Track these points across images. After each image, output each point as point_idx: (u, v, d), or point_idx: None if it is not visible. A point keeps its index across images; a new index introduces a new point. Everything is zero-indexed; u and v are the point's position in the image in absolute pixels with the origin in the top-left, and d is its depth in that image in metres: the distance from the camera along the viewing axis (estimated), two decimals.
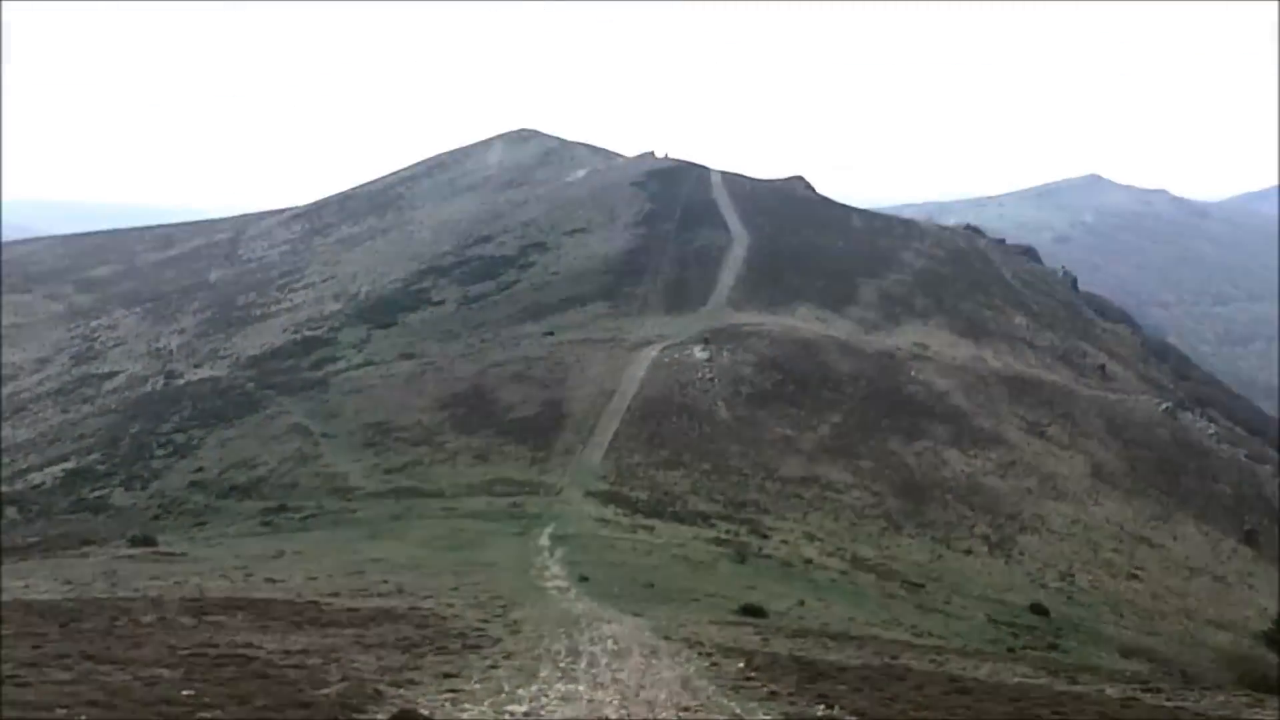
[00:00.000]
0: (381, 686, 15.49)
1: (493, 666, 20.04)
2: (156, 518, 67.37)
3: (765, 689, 19.81)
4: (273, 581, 39.84)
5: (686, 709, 17.01)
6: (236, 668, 15.93)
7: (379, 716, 12.60)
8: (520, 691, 17.11)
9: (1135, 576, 68.38)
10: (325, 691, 13.85)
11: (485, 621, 28.78)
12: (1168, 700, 21.13)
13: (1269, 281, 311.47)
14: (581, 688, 18.46)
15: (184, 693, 12.53)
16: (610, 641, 26.12)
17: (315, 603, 32.09)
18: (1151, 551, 73.57)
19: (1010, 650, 43.03)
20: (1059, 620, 56.39)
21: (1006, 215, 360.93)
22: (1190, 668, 49.84)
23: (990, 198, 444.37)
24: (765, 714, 17.01)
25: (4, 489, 76.61)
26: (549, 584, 41.47)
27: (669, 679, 20.42)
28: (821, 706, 17.85)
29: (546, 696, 16.96)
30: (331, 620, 26.81)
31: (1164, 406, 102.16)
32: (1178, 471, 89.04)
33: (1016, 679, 24.49)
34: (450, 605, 33.02)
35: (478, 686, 17.25)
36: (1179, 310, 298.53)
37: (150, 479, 76.43)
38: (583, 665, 21.43)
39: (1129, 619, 60.48)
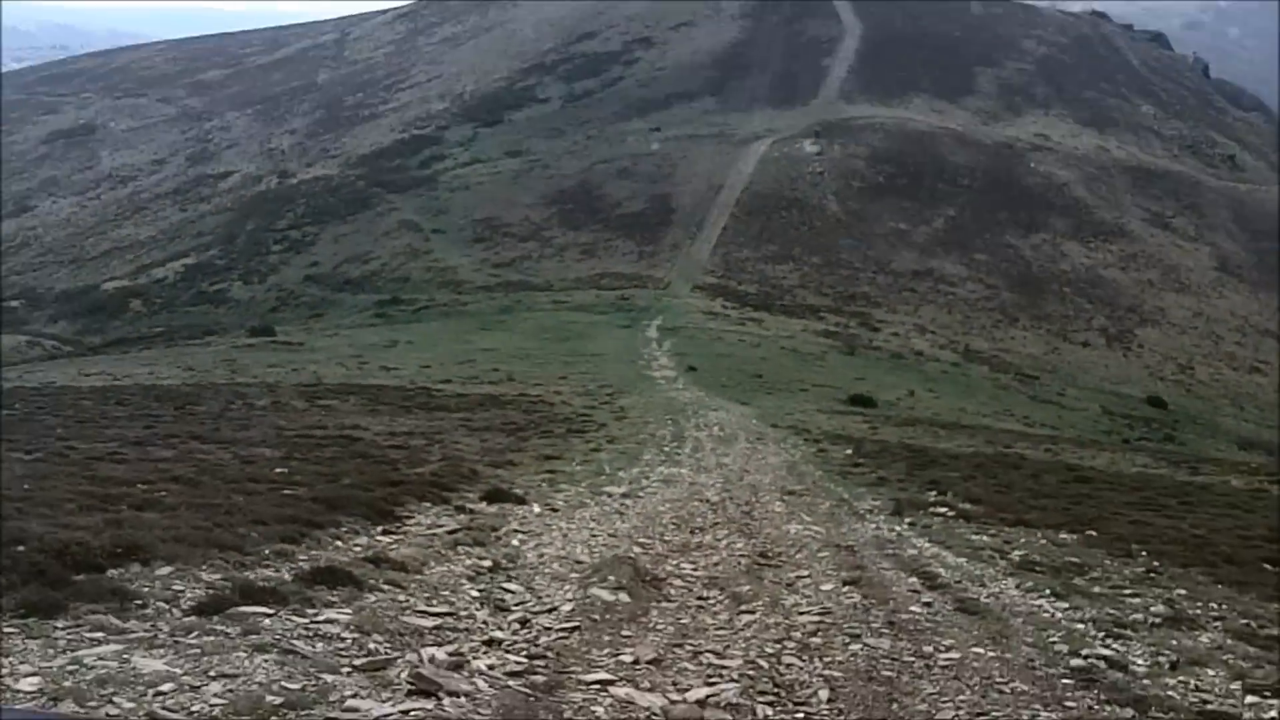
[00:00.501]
0: (479, 467, 15.15)
1: (595, 449, 19.70)
2: (274, 310, 69.13)
3: (873, 474, 19.26)
4: (386, 369, 40.78)
5: (791, 492, 16.20)
6: (339, 448, 15.87)
7: (469, 492, 12.26)
8: (621, 474, 16.56)
9: (1258, 369, 66.54)
10: (420, 470, 13.69)
11: (592, 408, 28.85)
12: None
13: None
14: (684, 470, 17.83)
15: (276, 470, 12.46)
16: (717, 428, 25.93)
17: (426, 389, 32.57)
18: (1277, 345, 71.27)
19: (1125, 441, 42.40)
20: (1176, 412, 55.41)
21: (1131, 5, 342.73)
22: None
23: None
24: (874, 499, 16.22)
25: (129, 284, 78.62)
26: (657, 374, 41.61)
27: (774, 464, 19.91)
28: (934, 493, 17.02)
29: (648, 479, 16.36)
30: (440, 405, 27.06)
31: None
32: None
33: (1135, 468, 23.81)
34: (558, 392, 33.23)
35: (579, 468, 16.74)
36: None
37: (267, 273, 77.81)
38: (687, 450, 20.97)
39: (1249, 411, 59.14)
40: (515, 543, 9.90)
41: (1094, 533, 13.04)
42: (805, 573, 9.54)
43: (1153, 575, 10.54)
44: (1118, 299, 72.51)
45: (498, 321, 57.09)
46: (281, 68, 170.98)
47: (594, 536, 10.59)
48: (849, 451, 22.77)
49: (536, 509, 11.95)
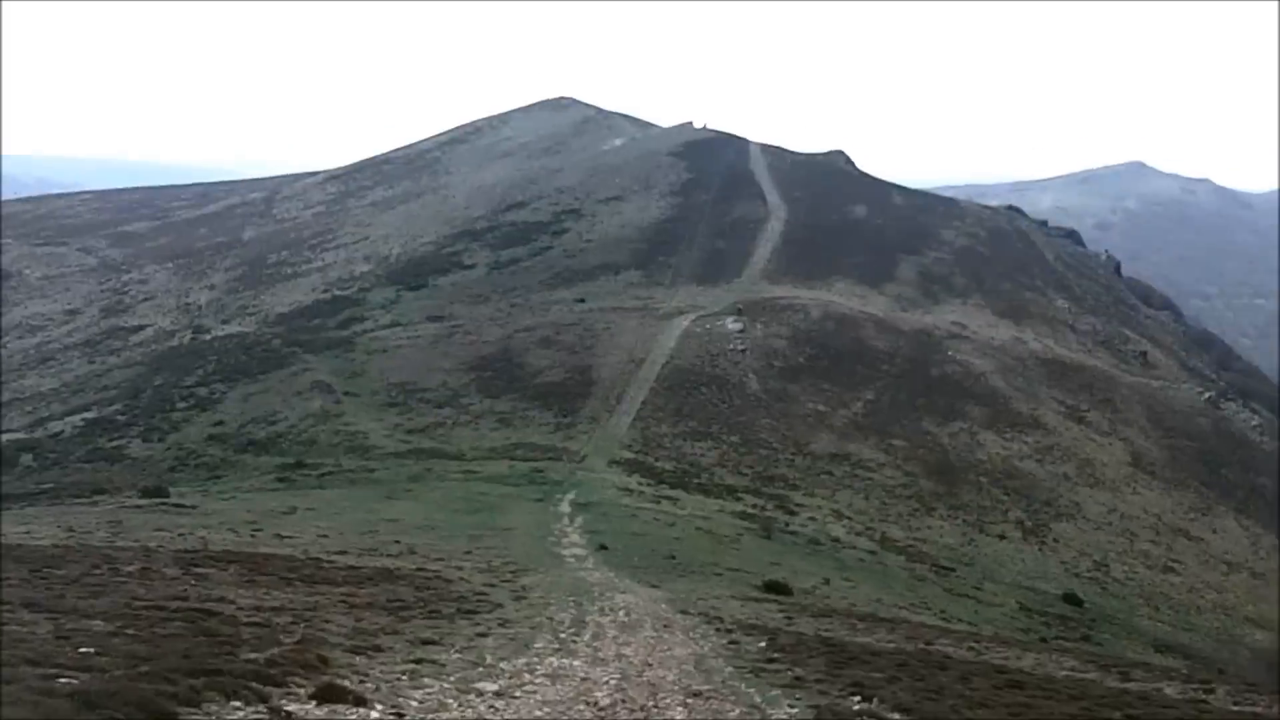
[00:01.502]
0: (335, 653, 13.40)
1: (483, 634, 18.18)
2: (172, 469, 66.34)
3: (789, 673, 17.68)
4: (280, 537, 38.71)
5: (696, 694, 14.67)
6: (185, 623, 14.20)
7: (301, 687, 10.66)
8: (503, 665, 15.18)
9: (1172, 569, 66.26)
10: (258, 655, 11.97)
11: (491, 586, 27.32)
12: (1235, 704, 19.21)
13: None
14: (578, 663, 16.46)
15: (80, 649, 10.90)
16: (622, 613, 24.44)
17: (318, 560, 30.74)
18: (1189, 544, 71.32)
19: (1043, 640, 41.50)
20: (1092, 610, 54.66)
21: (1048, 200, 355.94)
22: (1227, 666, 48.05)
23: (1032, 181, 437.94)
24: (790, 705, 14.61)
25: (24, 436, 75.76)
26: (566, 551, 40.17)
27: (681, 656, 18.46)
28: (857, 698, 15.57)
29: (533, 672, 14.95)
30: (327, 578, 25.36)
31: (1206, 396, 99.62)
32: (1219, 463, 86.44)
33: (1064, 671, 22.69)
34: (459, 569, 31.67)
35: (456, 656, 15.30)
36: (1219, 302, 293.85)
37: (169, 431, 75.00)
38: (586, 638, 19.59)
39: (1164, 612, 58.56)
40: None
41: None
42: None
43: None
44: (1034, 491, 72.50)
45: (406, 490, 55.39)
46: (208, 223, 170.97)
47: None
48: (763, 644, 21.19)
49: (374, 714, 10.24)
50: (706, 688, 15.26)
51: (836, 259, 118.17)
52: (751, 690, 15.60)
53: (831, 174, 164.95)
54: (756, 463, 68.93)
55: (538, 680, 14.19)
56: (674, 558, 41.77)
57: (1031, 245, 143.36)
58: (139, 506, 48.38)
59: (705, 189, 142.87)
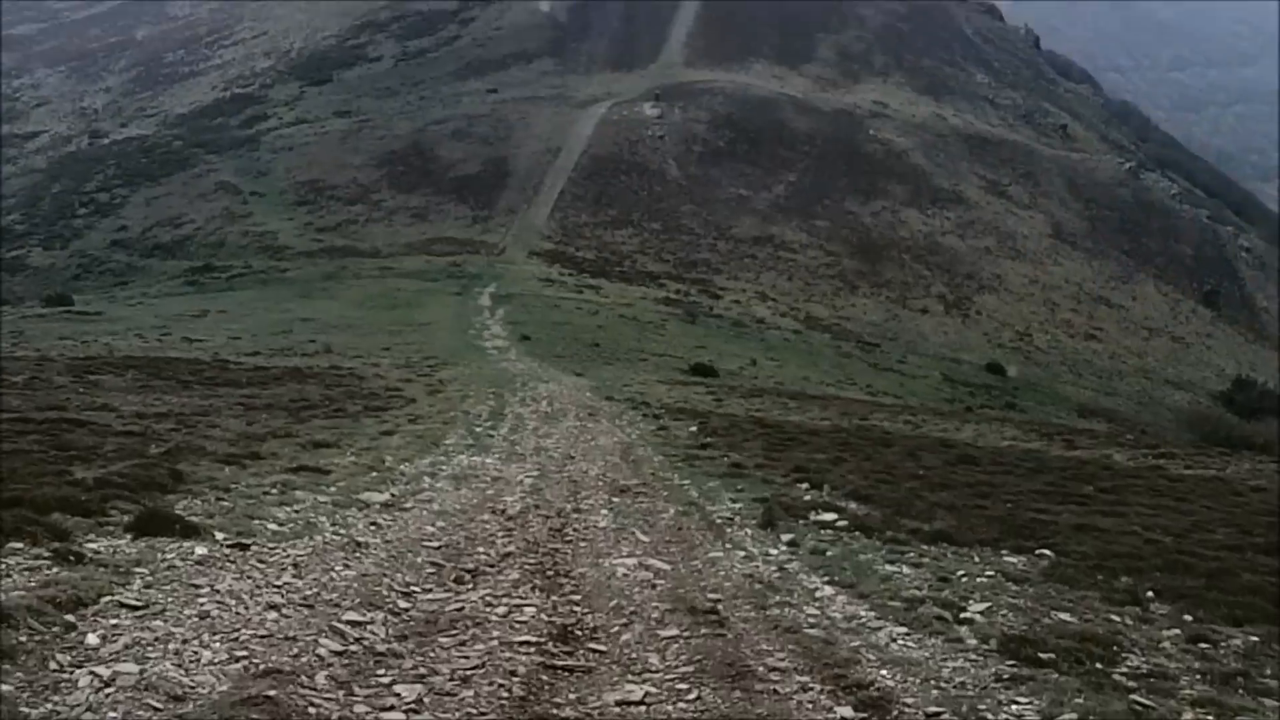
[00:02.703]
0: (197, 465, 11.26)
1: (387, 433, 16.34)
2: (76, 277, 64.48)
3: (725, 458, 16.03)
4: (190, 341, 37.36)
5: (623, 490, 12.78)
6: (43, 436, 12.49)
7: (124, 515, 8.27)
8: (404, 467, 13.20)
9: (1094, 336, 67.13)
10: (84, 476, 9.99)
11: (407, 381, 26.15)
12: (1187, 468, 18.72)
13: (1226, 46, 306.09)
14: (491, 460, 14.69)
15: None
16: (545, 403, 23.44)
17: (225, 362, 29.47)
18: (1110, 311, 72.23)
19: (969, 409, 41.60)
20: (1015, 379, 55.11)
21: None
22: (1149, 427, 48.79)
23: None
24: (731, 498, 12.62)
25: None
26: (488, 344, 39.26)
27: (606, 446, 17.00)
28: (805, 485, 13.59)
29: (437, 475, 12.95)
30: (231, 380, 24.01)
31: (1127, 166, 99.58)
32: (1139, 232, 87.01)
33: (1007, 441, 22.07)
34: (375, 365, 30.59)
35: (349, 461, 13.14)
36: (1135, 75, 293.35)
37: (71, 238, 72.78)
38: (503, 430, 18.11)
39: (1087, 379, 59.36)
40: (63, 659, 5.33)
41: (1046, 551, 9.79)
42: (638, 684, 5.84)
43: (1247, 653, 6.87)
44: (956, 265, 72.57)
45: (320, 289, 53.91)
46: (99, 23, 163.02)
47: (267, 613, 6.41)
48: (694, 429, 20.06)
49: (202, 548, 7.65)
50: (634, 481, 13.61)
51: (753, 40, 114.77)
52: (686, 482, 13.89)
53: None
54: (679, 248, 68.04)
55: (440, 485, 12.36)
56: (598, 345, 41.15)
57: (951, 20, 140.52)
58: (41, 316, 46.59)
59: None
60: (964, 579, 8.75)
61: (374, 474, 12.41)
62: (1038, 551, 9.89)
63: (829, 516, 11.29)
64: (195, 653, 5.62)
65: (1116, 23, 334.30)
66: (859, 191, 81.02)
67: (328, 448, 14.09)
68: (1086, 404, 52.03)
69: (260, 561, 7.68)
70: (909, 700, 5.71)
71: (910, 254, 72.98)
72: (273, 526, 8.86)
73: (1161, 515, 12.40)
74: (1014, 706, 5.70)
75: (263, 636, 6.01)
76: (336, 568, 7.81)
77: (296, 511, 9.63)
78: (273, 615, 6.43)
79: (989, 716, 5.57)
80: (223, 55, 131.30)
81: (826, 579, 8.57)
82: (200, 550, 7.61)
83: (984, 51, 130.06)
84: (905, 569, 9.04)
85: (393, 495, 11.18)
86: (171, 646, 5.66)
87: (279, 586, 7.12)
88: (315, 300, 50.13)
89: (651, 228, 70.42)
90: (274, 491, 10.43)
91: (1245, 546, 10.48)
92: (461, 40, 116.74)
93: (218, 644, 5.79)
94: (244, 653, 5.70)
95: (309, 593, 7.03)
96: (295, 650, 5.85)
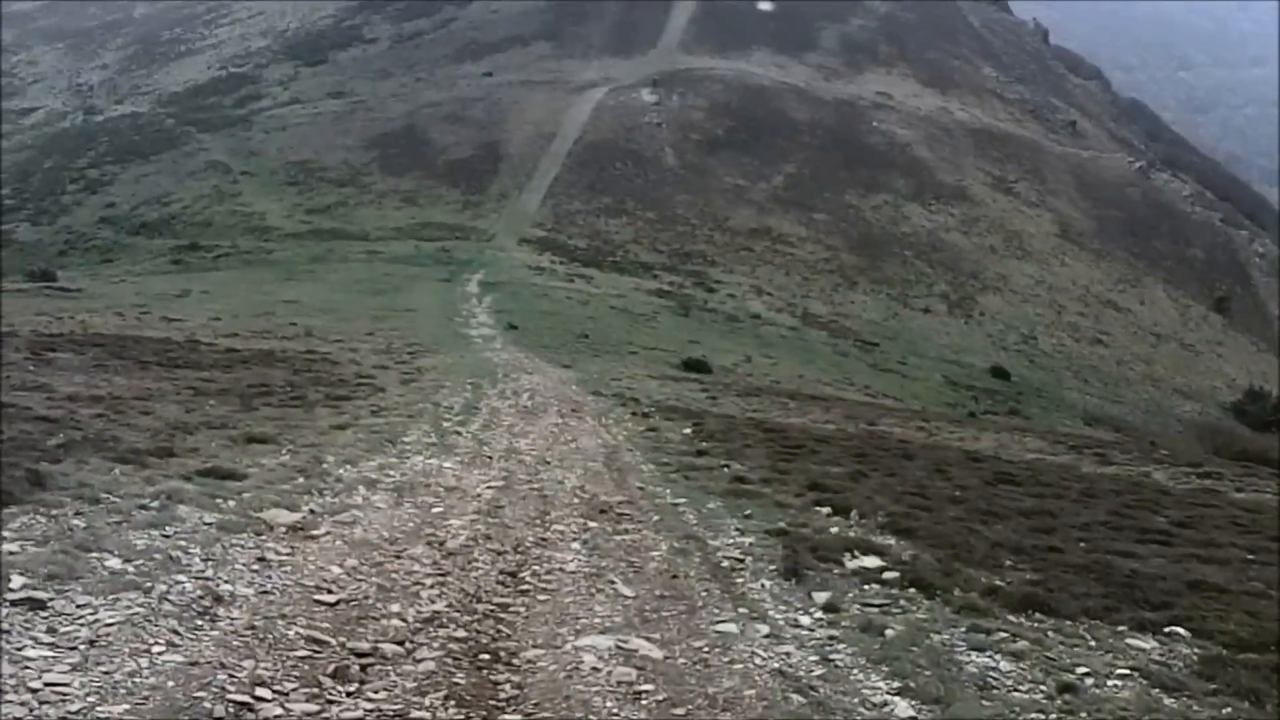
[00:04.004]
0: (84, 464, 9.25)
1: (340, 427, 14.27)
2: (62, 253, 63.21)
3: (725, 468, 13.96)
4: (169, 320, 35.74)
5: (604, 511, 10.57)
6: None
7: None
8: (342, 472, 11.04)
9: (1100, 341, 65.30)
10: None
11: (383, 369, 24.36)
12: (1238, 490, 16.61)
13: (1235, 47, 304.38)
14: (450, 464, 12.61)
15: None
16: (526, 396, 21.64)
17: (196, 342, 27.74)
18: (1118, 315, 70.37)
19: (971, 414, 39.94)
20: (1020, 384, 53.31)
21: None
22: (1158, 438, 46.92)
23: None
24: (738, 527, 10.37)
25: None
26: (474, 332, 37.58)
27: (589, 450, 14.96)
28: (827, 509, 11.33)
29: (374, 485, 10.70)
30: (193, 362, 22.25)
31: (1137, 165, 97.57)
32: (1149, 234, 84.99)
33: (1032, 454, 19.98)
34: (353, 351, 28.80)
35: (278, 462, 11.01)
36: (1142, 74, 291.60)
37: (59, 214, 71.91)
38: (474, 427, 16.17)
39: (1093, 385, 57.59)
40: None
41: (1181, 630, 7.50)
42: None
43: None
44: (959, 264, 70.79)
45: (306, 272, 52.81)
46: (97, 1, 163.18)
47: None
48: (688, 431, 18.07)
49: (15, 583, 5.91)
50: (618, 498, 11.39)
51: (755, 28, 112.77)
52: (680, 501, 11.62)
53: None
54: (673, 239, 66.36)
55: (376, 499, 10.10)
56: (587, 337, 39.62)
57: (958, 11, 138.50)
58: (22, 290, 45.06)
59: None
60: (1091, 682, 6.45)
61: (300, 480, 10.29)
62: (1168, 630, 7.54)
63: (870, 562, 8.89)
64: None
65: (1122, 20, 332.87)
66: (860, 184, 79.24)
67: (262, 444, 12.07)
68: (1093, 411, 50.31)
69: (49, 632, 5.45)
70: None
71: (913, 250, 71.25)
72: (110, 565, 6.55)
73: (1275, 563, 10.19)
74: None
75: None
76: (155, 647, 5.51)
77: (162, 539, 7.38)
78: None
79: None
80: (219, 34, 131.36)
81: (895, 683, 6.16)
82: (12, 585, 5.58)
83: (991, 44, 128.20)
84: (1002, 663, 6.69)
85: (308, 514, 8.96)
86: None
87: (33, 690, 4.85)
88: (300, 282, 48.80)
89: (646, 217, 68.66)
90: (151, 506, 8.18)
91: None
92: (458, 23, 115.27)
93: None
94: None
95: (77, 706, 4.80)
96: None
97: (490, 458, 13.55)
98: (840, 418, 23.93)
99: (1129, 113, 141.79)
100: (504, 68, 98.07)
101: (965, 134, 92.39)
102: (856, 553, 9.16)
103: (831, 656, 6.65)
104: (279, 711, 5.17)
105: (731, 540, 9.75)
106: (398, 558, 8.10)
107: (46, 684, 4.96)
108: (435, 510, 9.99)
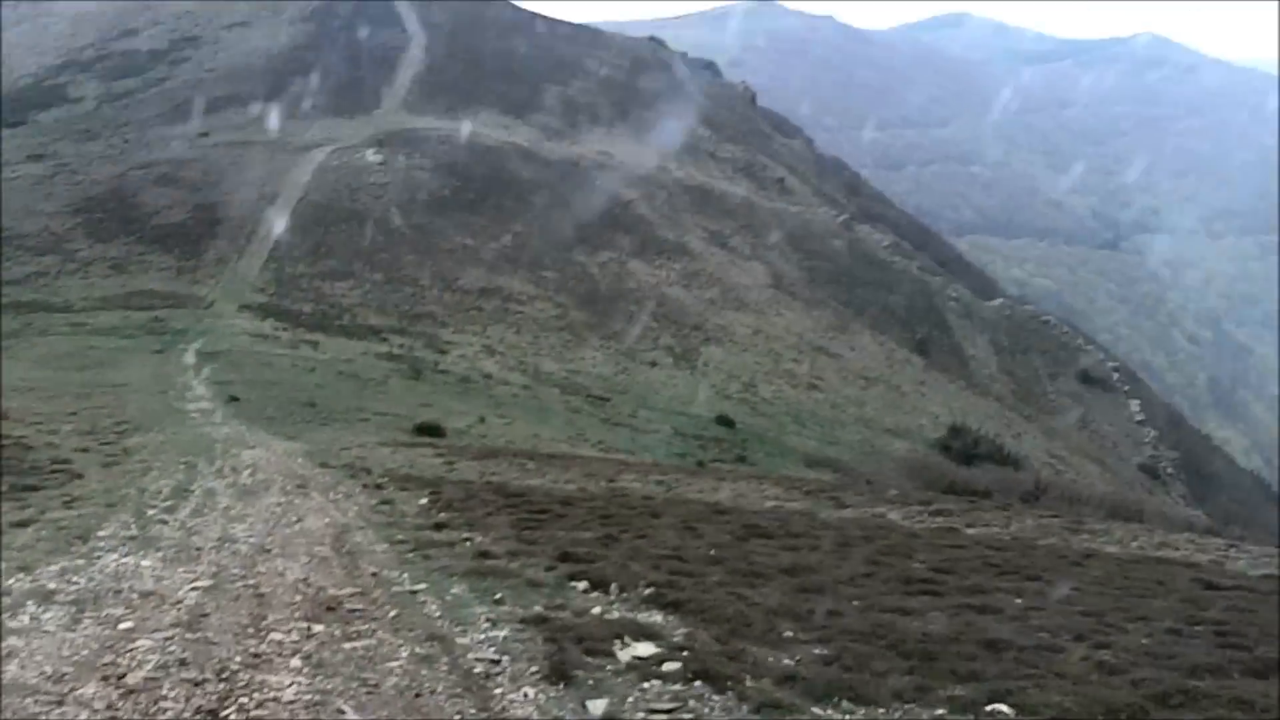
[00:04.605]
0: None
1: (22, 524, 12.97)
2: None
3: (468, 543, 13.11)
4: None
5: (331, 609, 9.38)
6: None
7: None
8: (14, 581, 9.74)
9: (815, 386, 68.33)
10: None
11: (83, 451, 22.99)
12: (969, 525, 17.83)
13: (922, 108, 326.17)
14: (149, 562, 11.27)
15: None
16: (246, 473, 20.69)
17: None
18: (830, 360, 73.89)
19: (700, 463, 41.11)
20: (744, 431, 55.20)
21: (682, 38, 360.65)
22: (874, 476, 49.59)
23: (669, 19, 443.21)
24: (489, 618, 9.32)
25: None
26: (191, 406, 35.66)
27: (315, 532, 13.98)
28: (583, 583, 10.69)
29: (55, 594, 9.42)
30: None
31: (841, 219, 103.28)
32: (854, 283, 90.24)
33: (772, 502, 20.92)
34: (52, 432, 27.09)
35: None
36: (840, 134, 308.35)
37: None
38: (184, 514, 14.93)
39: (811, 429, 60.12)
40: None
41: (1003, 708, 6.93)
42: None
43: None
44: (682, 317, 72.90)
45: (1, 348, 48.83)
46: None
47: None
48: (424, 501, 17.39)
49: None
50: (348, 590, 10.21)
51: (480, 88, 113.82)
52: (420, 588, 10.53)
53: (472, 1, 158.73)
54: (402, 301, 65.63)
55: (47, 617, 8.63)
56: (314, 405, 38.47)
57: (672, 75, 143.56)
58: None
59: (339, 14, 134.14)
60: None
61: None
62: (989, 708, 6.85)
63: (644, 650, 8.08)
64: None
65: (825, 85, 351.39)
66: (586, 242, 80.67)
67: None
68: (812, 454, 52.50)
69: None
70: None
71: (638, 306, 72.84)
72: None
73: (1048, 607, 10.19)
74: None
75: None
76: None
77: None
78: None
79: None
80: None
81: None
82: None
83: (704, 106, 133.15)
84: None
85: None
86: None
87: None
88: None
89: (374, 279, 67.73)
90: None
91: (1231, 660, 8.12)
92: (171, 82, 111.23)
93: None
94: None
95: None
96: None
97: (199, 550, 12.37)
98: (580, 476, 24.04)
99: (831, 169, 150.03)
100: (221, 128, 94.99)
101: (683, 191, 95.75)
102: (627, 638, 8.44)
103: None
104: None
105: (483, 636, 8.73)
106: (59, 704, 6.59)
107: None
108: (122, 626, 8.54)
